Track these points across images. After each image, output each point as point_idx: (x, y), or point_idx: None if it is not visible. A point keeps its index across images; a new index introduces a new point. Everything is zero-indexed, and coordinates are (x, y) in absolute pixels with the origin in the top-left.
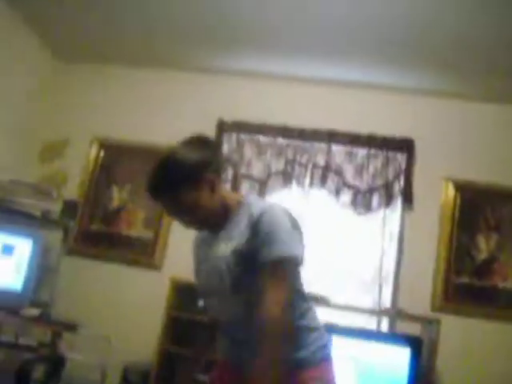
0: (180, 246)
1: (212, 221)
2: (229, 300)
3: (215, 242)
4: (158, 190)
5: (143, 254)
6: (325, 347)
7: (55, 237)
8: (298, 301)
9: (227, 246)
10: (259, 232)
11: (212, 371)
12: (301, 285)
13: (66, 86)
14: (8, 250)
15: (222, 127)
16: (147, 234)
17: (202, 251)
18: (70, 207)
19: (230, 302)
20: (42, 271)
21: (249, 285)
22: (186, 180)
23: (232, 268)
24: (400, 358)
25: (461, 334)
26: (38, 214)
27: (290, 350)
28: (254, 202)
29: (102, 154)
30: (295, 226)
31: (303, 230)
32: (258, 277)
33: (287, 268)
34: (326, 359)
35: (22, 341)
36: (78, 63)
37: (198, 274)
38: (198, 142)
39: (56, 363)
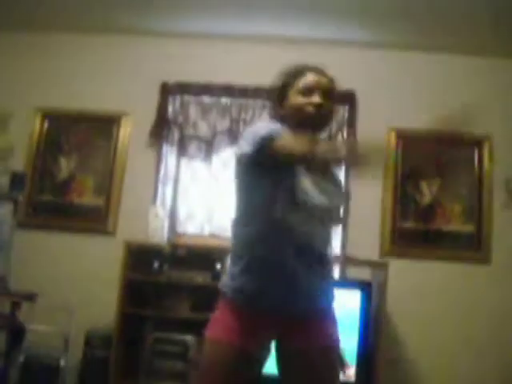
0: (132, 210)
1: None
2: (322, 228)
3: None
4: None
5: (96, 221)
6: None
7: (5, 210)
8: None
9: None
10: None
11: (216, 322)
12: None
13: (5, 56)
14: None
15: (166, 89)
16: (98, 202)
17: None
18: (17, 179)
19: (323, 231)
20: None
21: None
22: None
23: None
24: (352, 301)
25: (408, 276)
26: None
27: None
28: None
29: (46, 124)
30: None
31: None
32: None
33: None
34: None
35: None
36: (17, 32)
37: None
38: None
39: (16, 333)
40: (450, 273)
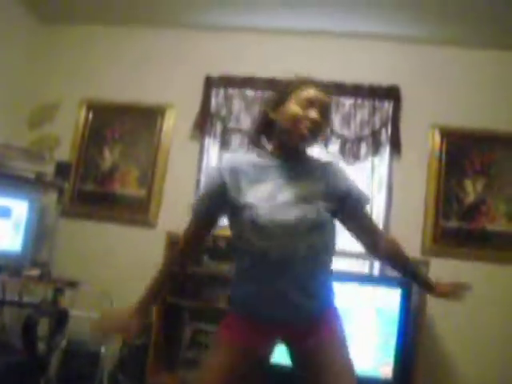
0: (174, 202)
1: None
2: (303, 236)
3: (295, 176)
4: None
5: (138, 212)
6: None
7: (50, 199)
8: None
9: (316, 184)
10: (342, 175)
11: (223, 327)
12: None
13: (52, 49)
14: (5, 212)
15: (210, 83)
16: (141, 192)
17: (260, 183)
18: (62, 168)
19: (304, 238)
20: (39, 232)
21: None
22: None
23: (325, 205)
24: (392, 299)
25: (450, 276)
26: (31, 176)
27: None
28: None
29: (91, 115)
30: None
31: None
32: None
33: None
34: None
35: (25, 299)
36: (63, 25)
37: (249, 208)
38: None
39: (59, 318)
40: (493, 274)
